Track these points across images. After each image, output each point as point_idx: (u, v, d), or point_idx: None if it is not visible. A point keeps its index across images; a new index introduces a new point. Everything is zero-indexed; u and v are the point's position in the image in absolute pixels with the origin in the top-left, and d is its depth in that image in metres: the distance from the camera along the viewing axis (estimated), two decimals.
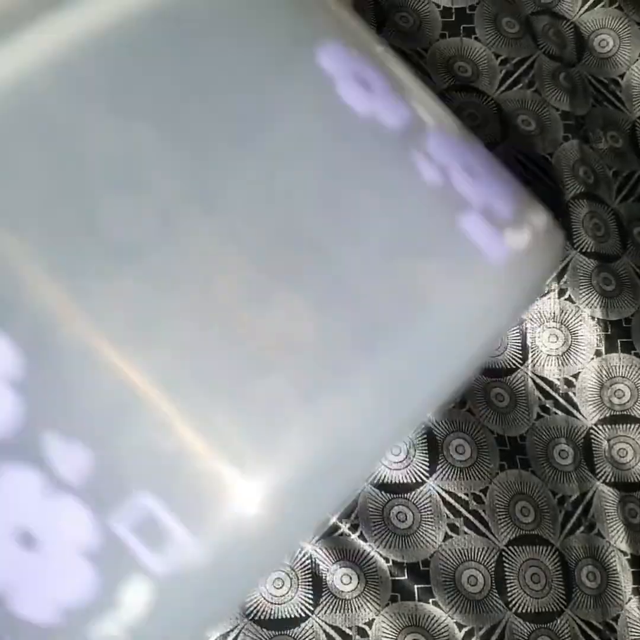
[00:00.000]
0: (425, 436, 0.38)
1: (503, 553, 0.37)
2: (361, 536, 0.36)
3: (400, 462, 0.37)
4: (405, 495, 0.37)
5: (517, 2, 0.43)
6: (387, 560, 0.36)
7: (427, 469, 0.37)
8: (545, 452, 0.39)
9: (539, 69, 0.42)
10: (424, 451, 0.38)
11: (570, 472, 0.39)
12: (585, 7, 0.44)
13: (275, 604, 0.35)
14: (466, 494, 0.38)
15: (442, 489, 0.37)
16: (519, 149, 0.41)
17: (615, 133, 0.43)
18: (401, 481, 0.37)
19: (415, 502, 0.37)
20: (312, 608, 0.36)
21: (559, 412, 0.40)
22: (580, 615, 0.37)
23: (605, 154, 0.42)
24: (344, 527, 0.36)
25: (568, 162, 0.41)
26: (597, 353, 0.40)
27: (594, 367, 0.40)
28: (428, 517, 0.37)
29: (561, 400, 0.40)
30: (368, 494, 0.37)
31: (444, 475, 0.38)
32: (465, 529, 0.37)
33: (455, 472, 0.38)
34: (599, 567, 0.38)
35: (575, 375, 0.40)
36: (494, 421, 0.39)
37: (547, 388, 0.40)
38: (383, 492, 0.37)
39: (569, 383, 0.40)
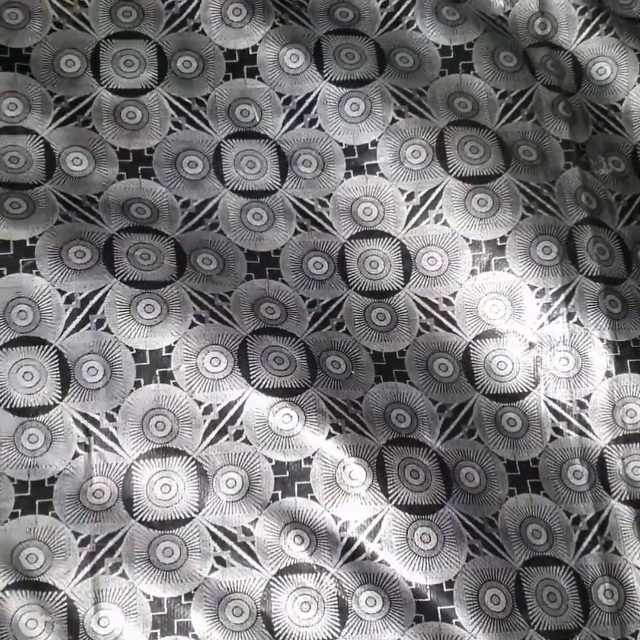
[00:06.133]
0: (437, 464, 0.39)
1: (520, 574, 0.38)
2: (384, 561, 0.38)
3: (421, 485, 0.39)
4: (428, 516, 0.38)
5: (515, 36, 0.45)
6: (410, 583, 0.37)
7: (443, 493, 0.39)
8: (559, 473, 0.40)
9: (537, 100, 0.44)
10: (439, 477, 0.39)
11: (584, 492, 0.40)
12: (582, 36, 0.45)
13: (302, 626, 0.37)
14: (481, 518, 0.39)
15: (459, 511, 0.38)
16: (522, 178, 0.42)
17: (616, 158, 0.44)
18: (423, 503, 0.38)
19: (438, 523, 0.38)
20: (338, 630, 0.37)
21: (572, 433, 0.41)
22: (598, 632, 0.38)
23: (607, 179, 0.43)
24: (368, 552, 0.38)
25: (570, 189, 0.43)
26: (608, 374, 0.41)
27: (605, 388, 0.41)
28: (451, 538, 0.38)
29: (574, 421, 0.41)
30: (392, 516, 0.38)
31: (459, 499, 0.39)
32: (485, 551, 0.38)
33: (468, 497, 0.39)
34: (616, 585, 0.39)
35: (588, 397, 0.41)
36: (504, 446, 0.40)
37: (560, 410, 0.41)
38: (407, 514, 0.38)
39: (581, 404, 0.41)
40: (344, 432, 0.38)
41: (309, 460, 0.38)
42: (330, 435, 0.38)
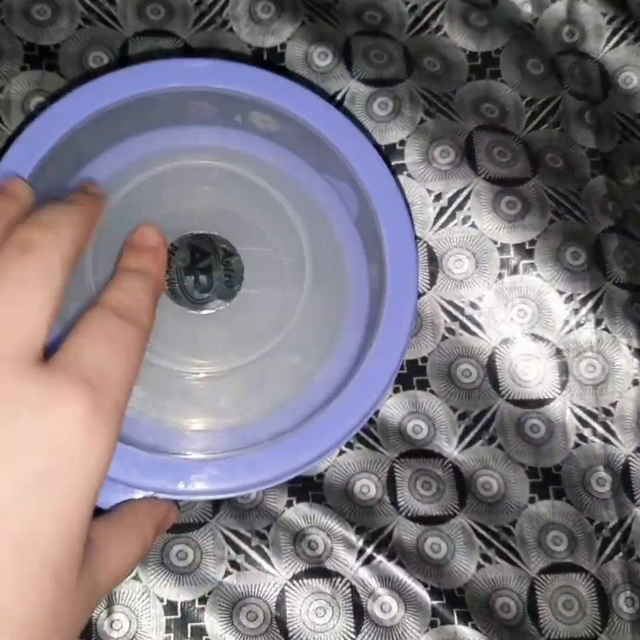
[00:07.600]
0: (453, 474, 0.39)
1: (535, 582, 0.38)
2: (399, 563, 0.37)
3: (432, 495, 0.38)
4: (439, 526, 0.38)
5: (542, 44, 0.45)
6: (425, 585, 0.37)
7: (457, 503, 0.38)
8: (582, 480, 0.39)
9: (564, 108, 0.44)
10: (453, 487, 0.38)
11: (608, 499, 0.39)
12: (610, 45, 0.45)
13: (318, 632, 0.36)
14: (496, 527, 0.38)
15: (472, 521, 0.38)
16: (549, 184, 0.42)
17: None
18: (434, 514, 0.38)
19: (448, 533, 0.38)
20: (353, 636, 0.36)
21: (597, 440, 0.40)
22: None
23: (633, 189, 0.43)
24: (382, 556, 0.37)
25: (597, 197, 0.42)
26: (635, 382, 0.40)
27: (631, 396, 0.40)
28: (461, 548, 0.38)
29: (599, 428, 0.40)
30: (402, 527, 0.37)
31: (473, 509, 0.38)
32: (497, 559, 0.38)
33: (484, 507, 0.38)
34: (637, 593, 0.38)
35: (613, 404, 0.40)
36: (526, 453, 0.39)
37: (585, 416, 0.40)
38: (417, 524, 0.38)
39: (607, 412, 0.40)
40: (354, 449, 0.38)
41: (320, 476, 0.38)
42: (341, 452, 0.38)
